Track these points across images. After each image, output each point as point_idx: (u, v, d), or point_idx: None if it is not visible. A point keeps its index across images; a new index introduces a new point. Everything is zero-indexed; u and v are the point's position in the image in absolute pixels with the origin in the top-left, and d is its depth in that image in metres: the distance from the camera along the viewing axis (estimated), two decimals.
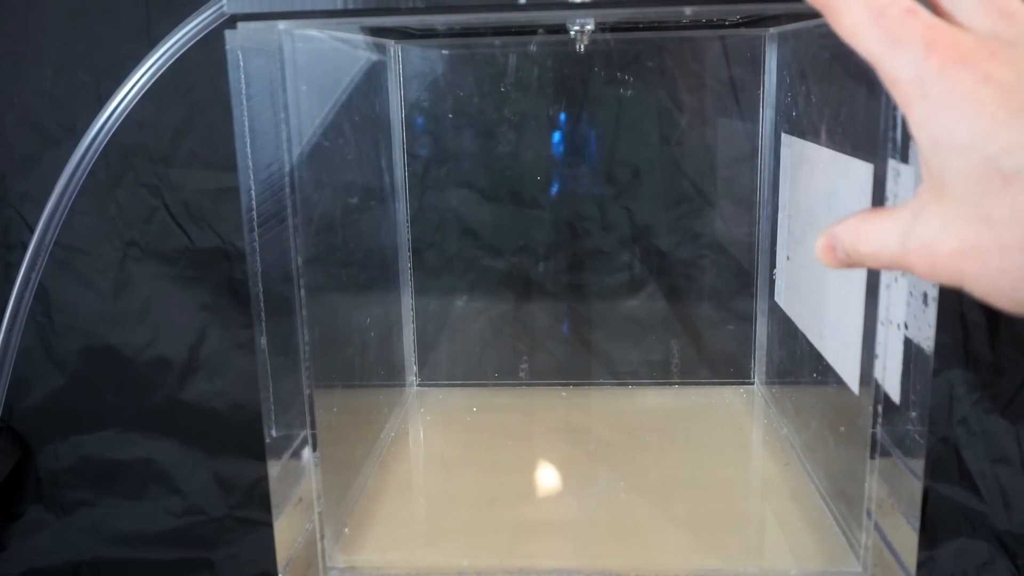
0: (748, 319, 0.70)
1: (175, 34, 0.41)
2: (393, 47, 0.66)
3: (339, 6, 0.38)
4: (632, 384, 0.72)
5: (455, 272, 0.71)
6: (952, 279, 0.26)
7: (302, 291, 0.42)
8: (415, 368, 0.72)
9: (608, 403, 0.69)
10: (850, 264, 0.30)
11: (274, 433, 0.43)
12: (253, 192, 0.40)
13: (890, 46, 0.25)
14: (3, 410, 0.47)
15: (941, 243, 0.26)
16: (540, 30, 0.63)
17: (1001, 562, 0.68)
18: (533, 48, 0.66)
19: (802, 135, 0.55)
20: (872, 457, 0.41)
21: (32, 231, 0.44)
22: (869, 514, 0.43)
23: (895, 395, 0.39)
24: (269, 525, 0.44)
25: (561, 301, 0.71)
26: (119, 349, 0.71)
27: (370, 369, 0.61)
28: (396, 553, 0.49)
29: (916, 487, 0.40)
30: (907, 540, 0.41)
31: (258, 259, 0.41)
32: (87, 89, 0.67)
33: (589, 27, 0.57)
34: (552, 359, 0.72)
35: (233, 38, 0.39)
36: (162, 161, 0.68)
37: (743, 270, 0.69)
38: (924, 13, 0.26)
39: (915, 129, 0.25)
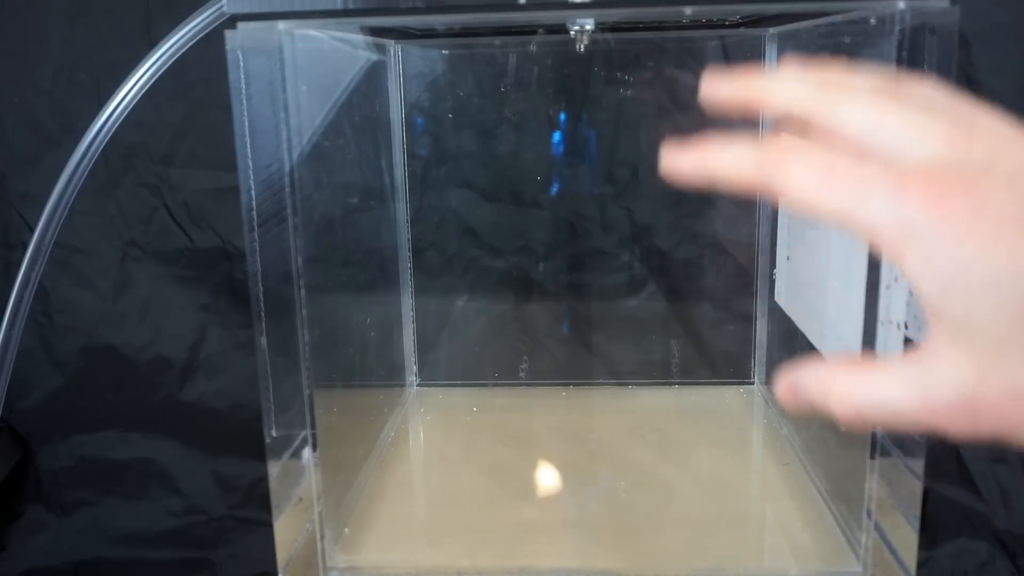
0: (748, 319, 0.70)
1: (175, 34, 0.41)
2: (393, 47, 0.66)
3: (339, 6, 0.38)
4: (632, 384, 0.72)
5: (455, 272, 0.71)
6: (1001, 430, 0.23)
7: (302, 291, 0.42)
8: (415, 368, 0.72)
9: (608, 403, 0.69)
10: (819, 413, 0.26)
11: (274, 433, 0.43)
12: (253, 192, 0.40)
13: (854, 198, 0.22)
14: (3, 410, 0.47)
15: (986, 392, 0.22)
16: (540, 30, 0.63)
17: (1001, 562, 0.68)
18: (533, 48, 0.66)
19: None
20: (872, 457, 0.41)
21: (32, 231, 0.44)
22: (869, 514, 0.43)
23: None
24: (269, 525, 0.44)
25: (561, 301, 0.71)
26: (119, 349, 0.71)
27: (370, 369, 0.61)
28: (396, 553, 0.49)
29: (916, 487, 0.40)
30: (907, 540, 0.41)
31: (258, 259, 0.41)
32: (87, 89, 0.67)
33: (589, 27, 0.57)
34: (552, 359, 0.72)
35: (233, 38, 0.39)
36: (162, 161, 0.68)
37: (743, 270, 0.69)
38: (872, 159, 0.23)
39: (914, 276, 0.22)
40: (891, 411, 0.24)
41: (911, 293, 0.37)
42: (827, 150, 0.24)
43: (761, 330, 0.69)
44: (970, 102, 0.24)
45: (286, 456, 0.44)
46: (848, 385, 0.25)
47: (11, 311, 0.45)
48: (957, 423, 0.23)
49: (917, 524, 0.40)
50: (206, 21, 0.40)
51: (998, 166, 0.22)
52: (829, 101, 0.25)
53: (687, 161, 0.28)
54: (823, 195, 0.23)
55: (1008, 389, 0.22)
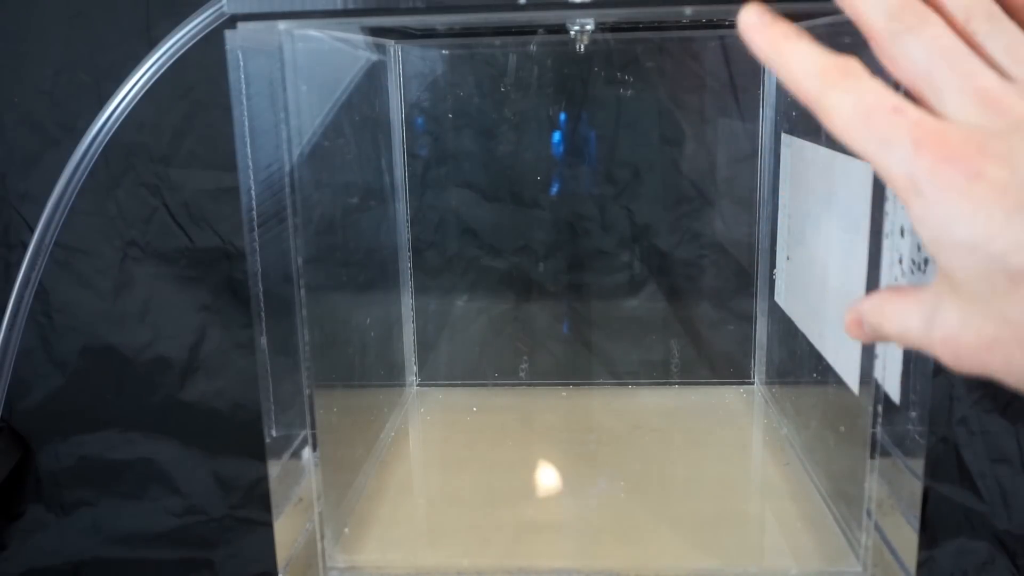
0: (748, 319, 0.70)
1: (175, 34, 0.41)
2: (393, 47, 0.66)
3: (339, 6, 0.38)
4: (632, 384, 0.72)
5: (455, 272, 0.71)
6: (979, 371, 0.25)
7: (302, 291, 0.42)
8: (415, 368, 0.72)
9: (608, 403, 0.69)
10: (876, 339, 0.31)
11: (274, 433, 0.43)
12: (253, 192, 0.40)
13: (880, 145, 0.25)
14: (3, 410, 0.47)
15: (963, 337, 0.25)
16: (540, 30, 0.63)
17: (1001, 562, 0.68)
18: (533, 48, 0.66)
19: (802, 135, 0.55)
20: (872, 457, 0.41)
21: (32, 231, 0.44)
22: (869, 514, 0.43)
23: (895, 395, 0.39)
24: (269, 525, 0.44)
25: (561, 301, 0.71)
26: (119, 349, 0.71)
27: (370, 369, 0.61)
28: (396, 553, 0.49)
29: (916, 487, 0.40)
30: (907, 540, 0.41)
31: (258, 259, 0.41)
32: (87, 89, 0.67)
33: (589, 27, 0.57)
34: (552, 359, 0.72)
35: (233, 38, 0.39)
36: (162, 161, 0.68)
37: (743, 270, 0.69)
38: (911, 109, 0.25)
39: (916, 225, 0.25)
40: (912, 339, 0.28)
41: None
42: (876, 87, 0.26)
43: (761, 330, 0.69)
44: None
45: (286, 456, 0.44)
46: (892, 311, 0.29)
47: (11, 311, 0.45)
48: (945, 358, 0.26)
49: (917, 524, 0.40)
50: (206, 21, 0.40)
51: (1013, 136, 0.24)
52: (897, 28, 0.27)
53: (764, 36, 0.29)
54: (858, 137, 0.26)
55: (978, 338, 0.25)
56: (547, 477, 0.58)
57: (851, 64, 0.27)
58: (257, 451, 0.43)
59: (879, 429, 0.41)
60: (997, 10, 0.28)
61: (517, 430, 0.65)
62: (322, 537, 0.46)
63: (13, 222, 0.69)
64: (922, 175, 0.24)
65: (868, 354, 0.41)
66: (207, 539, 0.74)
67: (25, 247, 0.45)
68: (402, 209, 0.69)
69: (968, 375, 0.26)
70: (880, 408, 0.40)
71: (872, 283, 0.40)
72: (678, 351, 0.71)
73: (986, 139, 0.24)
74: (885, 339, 0.30)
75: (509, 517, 0.53)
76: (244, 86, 0.39)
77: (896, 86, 0.27)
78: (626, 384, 0.72)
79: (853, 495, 0.45)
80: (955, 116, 0.25)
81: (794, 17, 0.56)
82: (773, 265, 0.64)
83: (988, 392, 0.67)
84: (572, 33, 0.62)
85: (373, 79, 0.60)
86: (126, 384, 0.72)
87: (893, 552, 0.42)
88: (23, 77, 0.67)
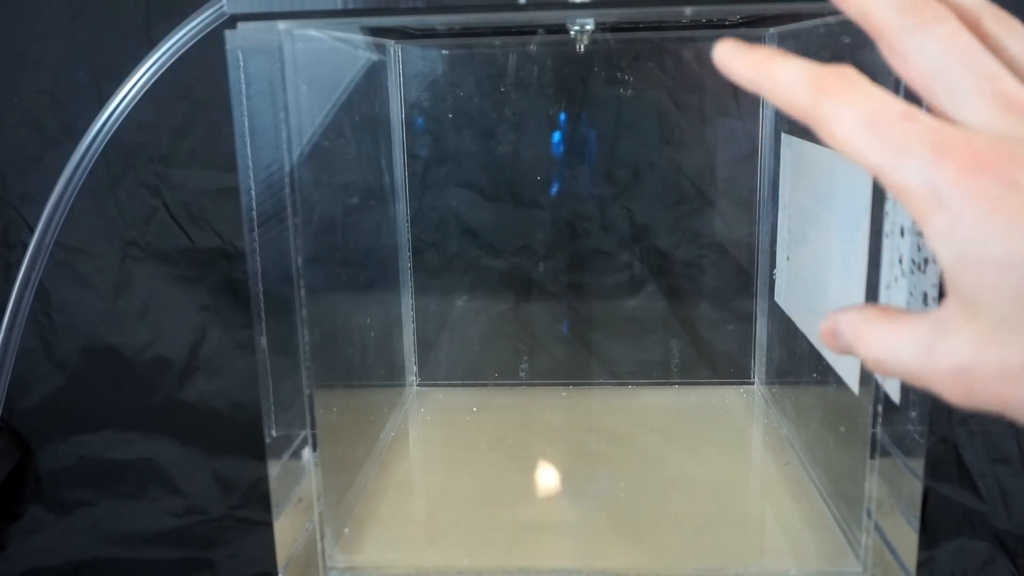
0: (748, 319, 0.70)
1: (175, 34, 0.41)
2: (393, 47, 0.66)
3: (339, 6, 0.38)
4: (632, 384, 0.72)
5: (455, 272, 0.71)
6: (994, 406, 0.23)
7: (302, 291, 0.42)
8: (415, 368, 0.72)
9: (608, 403, 0.69)
10: (848, 355, 0.28)
11: (274, 433, 0.43)
12: (253, 192, 0.40)
13: (892, 155, 0.23)
14: (3, 410, 0.47)
15: (981, 368, 0.23)
16: (540, 30, 0.63)
17: (1001, 562, 0.68)
18: (533, 48, 0.66)
19: (802, 135, 0.55)
20: (872, 457, 0.41)
21: (32, 231, 0.44)
22: (869, 514, 0.43)
23: (895, 395, 0.39)
24: (269, 525, 0.44)
25: (561, 301, 0.71)
26: (119, 349, 0.71)
27: (370, 369, 0.61)
28: (396, 553, 0.49)
29: (916, 487, 0.40)
30: (907, 540, 0.41)
31: (258, 259, 0.41)
32: (87, 89, 0.67)
33: (589, 27, 0.57)
34: (552, 359, 0.72)
35: (233, 38, 0.39)
36: (162, 161, 0.68)
37: (743, 270, 0.69)
38: (924, 116, 0.23)
39: (935, 241, 0.22)
40: (902, 368, 0.25)
41: (911, 293, 0.37)
42: (879, 93, 0.24)
43: (761, 330, 0.69)
44: None
45: (286, 456, 0.44)
46: (873, 335, 0.26)
47: (11, 311, 0.45)
48: (953, 392, 0.24)
49: (917, 524, 0.40)
50: (206, 21, 0.40)
51: None
52: (910, 24, 0.24)
53: (743, 61, 0.27)
54: (864, 147, 0.23)
55: (1000, 368, 0.22)
56: (547, 477, 0.58)
57: (847, 71, 0.25)
58: (257, 451, 0.43)
59: (879, 429, 0.41)
60: (1007, 14, 0.26)
61: (517, 430, 0.65)
62: (322, 537, 0.46)
63: (13, 222, 0.69)
64: (946, 186, 0.22)
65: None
66: (207, 539, 0.74)
67: (25, 247, 0.45)
68: (402, 209, 0.69)
69: (977, 411, 0.24)
70: (880, 408, 0.40)
71: (872, 283, 0.40)
72: (678, 351, 0.71)
73: (1015, 147, 0.22)
74: (857, 358, 0.27)
75: (509, 517, 0.53)
76: (244, 86, 0.39)
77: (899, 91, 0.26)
78: (626, 384, 0.72)
79: (853, 495, 0.45)
80: (972, 120, 0.23)
81: (795, 17, 0.56)
82: (773, 265, 0.64)
83: None
84: (572, 33, 0.62)
85: (373, 79, 0.60)
86: (126, 384, 0.72)
87: (893, 552, 0.42)
88: (23, 77, 0.67)
